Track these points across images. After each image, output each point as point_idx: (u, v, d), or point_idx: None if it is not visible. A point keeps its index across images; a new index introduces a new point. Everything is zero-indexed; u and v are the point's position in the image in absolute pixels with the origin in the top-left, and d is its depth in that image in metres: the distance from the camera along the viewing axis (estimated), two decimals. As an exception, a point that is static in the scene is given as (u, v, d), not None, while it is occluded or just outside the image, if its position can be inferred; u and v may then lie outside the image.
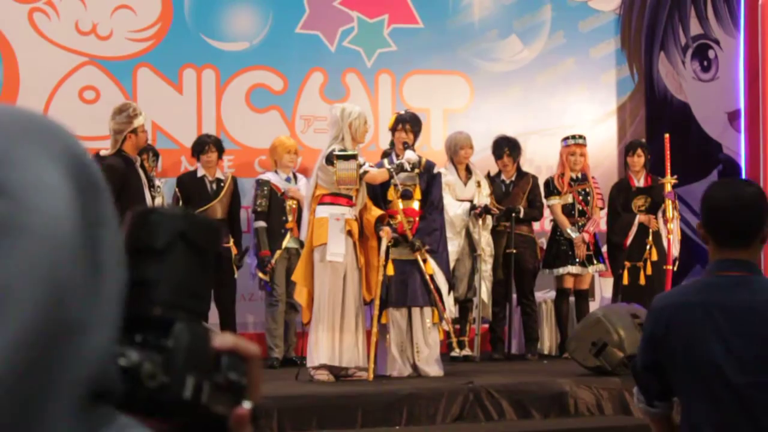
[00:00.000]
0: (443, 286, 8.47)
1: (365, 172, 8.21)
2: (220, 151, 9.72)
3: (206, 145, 9.63)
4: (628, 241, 10.01)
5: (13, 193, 0.80)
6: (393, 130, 8.77)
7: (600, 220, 10.21)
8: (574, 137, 10.24)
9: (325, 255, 8.12)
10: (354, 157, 8.13)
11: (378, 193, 8.57)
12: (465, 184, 9.67)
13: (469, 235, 9.63)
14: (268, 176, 9.75)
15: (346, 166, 8.10)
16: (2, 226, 0.79)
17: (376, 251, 8.34)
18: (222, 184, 9.69)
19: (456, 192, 9.59)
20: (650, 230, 10.00)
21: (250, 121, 10.72)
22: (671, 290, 3.94)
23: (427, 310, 8.42)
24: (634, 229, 10.01)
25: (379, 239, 8.33)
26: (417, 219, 8.59)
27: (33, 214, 0.80)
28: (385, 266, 8.39)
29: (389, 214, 8.51)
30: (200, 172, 9.66)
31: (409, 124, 8.68)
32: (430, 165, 8.77)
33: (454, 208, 9.43)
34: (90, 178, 0.87)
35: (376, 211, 8.39)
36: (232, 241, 9.57)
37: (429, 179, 8.67)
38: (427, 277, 8.39)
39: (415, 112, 9.14)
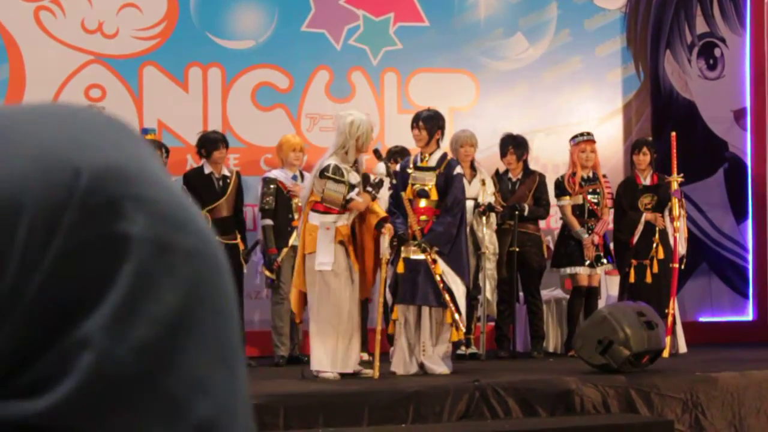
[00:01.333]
0: (456, 288, 8.40)
1: (350, 200, 8.15)
2: (227, 146, 9.77)
3: (218, 142, 9.65)
4: (635, 239, 10.01)
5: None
6: (411, 127, 8.80)
7: (609, 221, 10.20)
8: (582, 134, 10.25)
9: (312, 264, 8.14)
10: (344, 183, 8.11)
11: (398, 191, 8.56)
12: (469, 182, 9.66)
13: (473, 233, 9.62)
14: (275, 174, 9.76)
15: (334, 188, 8.10)
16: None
17: (372, 252, 8.32)
18: (228, 181, 9.70)
19: (460, 190, 9.58)
20: (657, 228, 9.99)
21: (255, 119, 10.72)
22: None
23: (439, 309, 8.39)
24: (640, 227, 10.00)
25: (377, 240, 8.32)
26: (432, 218, 8.56)
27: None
28: (395, 264, 8.40)
29: (407, 212, 8.51)
30: (207, 169, 9.66)
31: (422, 121, 8.69)
32: (452, 164, 8.72)
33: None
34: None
35: (378, 213, 8.33)
36: (239, 236, 9.60)
37: (448, 179, 8.63)
38: (437, 277, 8.35)
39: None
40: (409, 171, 8.63)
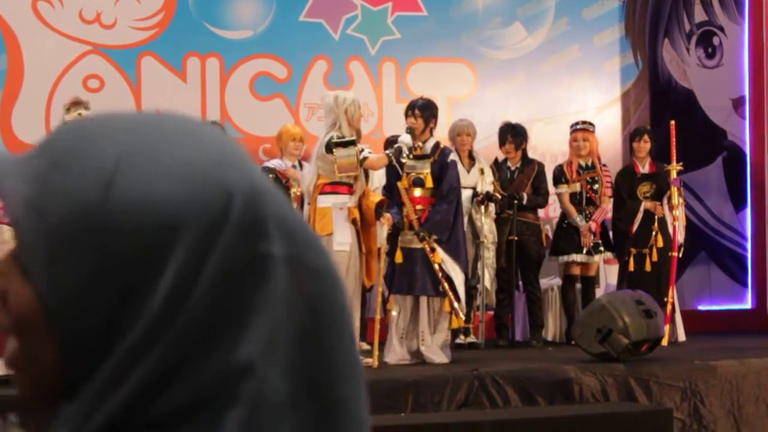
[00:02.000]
0: (456, 275, 8.40)
1: (365, 158, 8.18)
2: None
3: None
4: (634, 227, 10.01)
5: None
6: (405, 115, 8.78)
7: (609, 209, 10.19)
8: (577, 123, 10.25)
9: (330, 245, 8.10)
10: (353, 143, 8.11)
11: (392, 181, 8.55)
12: (468, 171, 9.66)
13: (472, 222, 9.62)
14: (274, 163, 9.76)
15: (345, 153, 8.08)
16: None
17: (375, 237, 8.33)
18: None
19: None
20: (656, 217, 9.99)
21: (254, 109, 10.71)
22: None
23: (437, 299, 8.38)
24: (639, 215, 10.00)
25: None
26: (428, 207, 8.55)
27: None
28: (393, 253, 8.39)
29: (401, 202, 8.49)
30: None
31: (419, 109, 8.67)
32: (446, 152, 8.71)
33: (456, 196, 9.41)
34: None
35: (376, 197, 8.36)
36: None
37: (442, 167, 8.62)
38: (436, 266, 8.35)
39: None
40: (404, 160, 8.62)
